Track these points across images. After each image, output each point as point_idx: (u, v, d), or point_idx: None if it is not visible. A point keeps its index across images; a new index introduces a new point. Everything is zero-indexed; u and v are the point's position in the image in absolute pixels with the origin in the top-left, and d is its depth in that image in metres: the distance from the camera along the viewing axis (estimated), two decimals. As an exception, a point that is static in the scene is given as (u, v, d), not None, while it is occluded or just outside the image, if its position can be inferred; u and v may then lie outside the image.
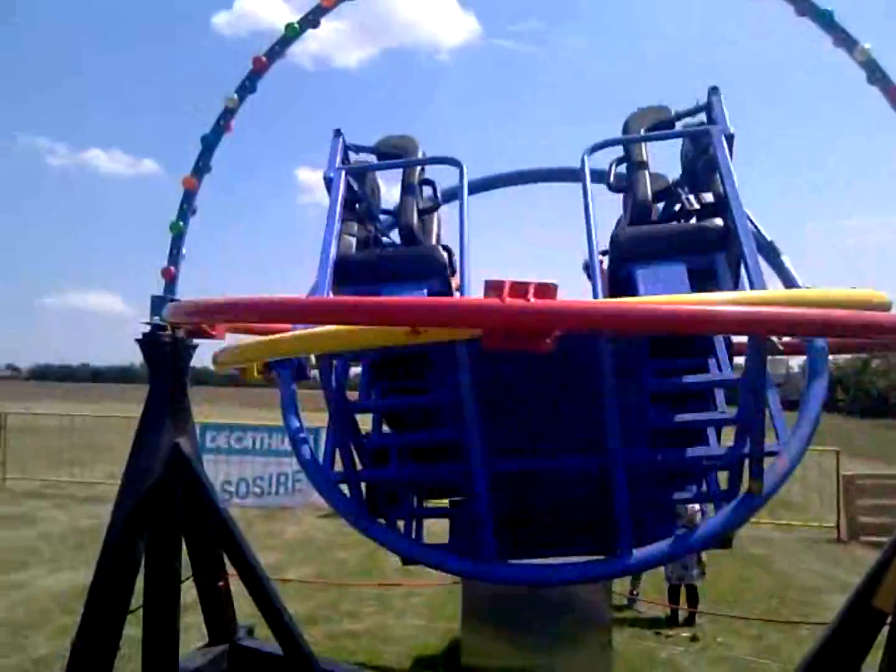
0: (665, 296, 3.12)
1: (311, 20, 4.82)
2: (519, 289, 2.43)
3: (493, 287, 2.44)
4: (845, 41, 4.37)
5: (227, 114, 4.86)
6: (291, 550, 10.01)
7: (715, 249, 3.66)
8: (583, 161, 4.10)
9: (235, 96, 4.83)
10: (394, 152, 4.59)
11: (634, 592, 7.92)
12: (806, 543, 11.67)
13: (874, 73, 4.33)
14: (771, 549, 11.09)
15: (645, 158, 4.24)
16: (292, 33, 4.82)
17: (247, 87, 4.86)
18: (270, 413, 9.41)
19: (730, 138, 3.93)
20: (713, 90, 4.22)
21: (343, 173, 4.21)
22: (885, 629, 4.30)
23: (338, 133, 4.42)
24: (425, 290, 3.83)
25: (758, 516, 13.58)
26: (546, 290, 2.44)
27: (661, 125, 4.38)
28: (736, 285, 3.77)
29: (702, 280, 3.54)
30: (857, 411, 54.56)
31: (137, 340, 4.61)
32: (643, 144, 4.32)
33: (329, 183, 4.19)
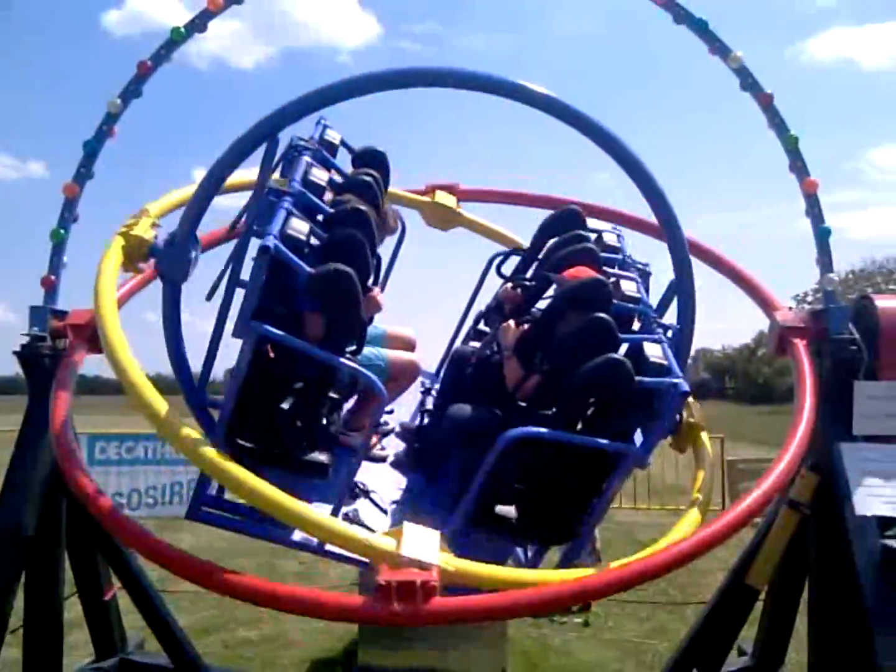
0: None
1: (197, 24, 4.71)
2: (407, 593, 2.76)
3: (383, 592, 2.75)
4: (720, 49, 4.59)
5: (110, 119, 4.68)
6: (186, 560, 9.73)
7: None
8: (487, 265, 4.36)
9: (119, 101, 4.66)
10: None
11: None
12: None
13: (746, 79, 4.58)
14: (661, 534, 11.36)
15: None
16: (178, 37, 4.69)
17: (131, 91, 4.70)
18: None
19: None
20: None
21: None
22: (759, 605, 4.59)
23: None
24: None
25: (649, 503, 14.05)
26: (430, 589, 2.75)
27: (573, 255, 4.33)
28: None
29: None
30: (745, 398, 57.16)
31: (15, 352, 4.45)
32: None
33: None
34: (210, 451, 3.18)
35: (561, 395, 3.69)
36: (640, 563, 3.22)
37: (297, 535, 3.77)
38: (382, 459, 4.64)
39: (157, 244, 3.91)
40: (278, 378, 3.69)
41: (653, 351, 3.79)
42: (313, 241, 3.78)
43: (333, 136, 4.63)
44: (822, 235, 4.34)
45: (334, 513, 3.65)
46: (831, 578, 3.97)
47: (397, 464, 4.65)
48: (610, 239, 4.79)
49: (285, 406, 3.67)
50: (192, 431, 3.26)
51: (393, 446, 4.77)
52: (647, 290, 4.41)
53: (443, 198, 5.80)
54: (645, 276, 4.58)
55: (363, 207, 3.95)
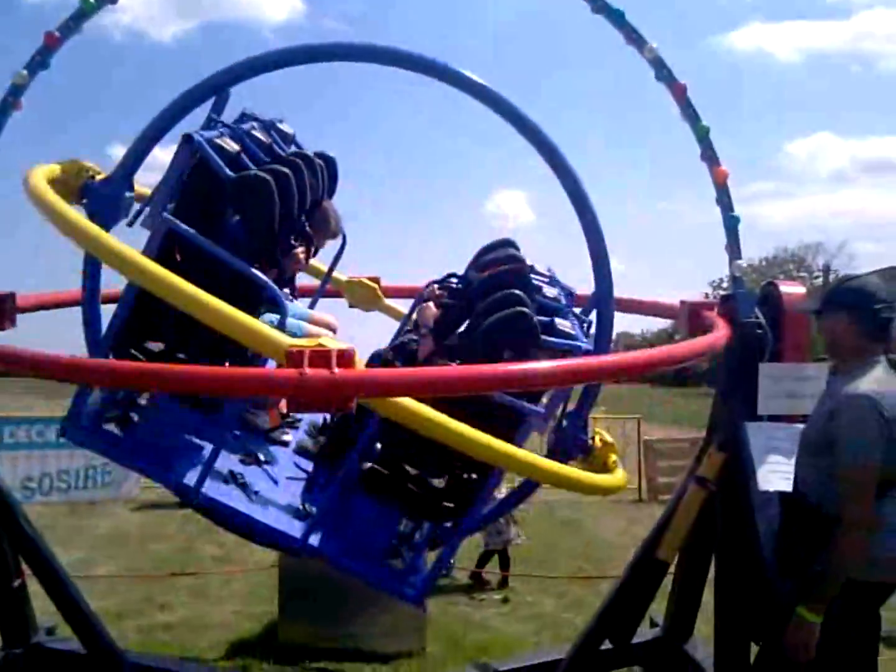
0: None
1: None
2: (320, 359, 2.38)
3: (293, 358, 2.39)
4: (636, 40, 4.67)
5: (16, 90, 4.49)
6: (101, 545, 9.52)
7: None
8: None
9: (25, 72, 4.47)
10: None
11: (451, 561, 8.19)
12: (611, 505, 12.47)
13: (661, 70, 4.67)
14: (579, 511, 11.79)
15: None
16: (88, 8, 4.51)
17: (38, 62, 4.52)
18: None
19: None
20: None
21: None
22: (668, 578, 4.76)
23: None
24: None
25: (568, 482, 14.27)
26: (348, 357, 2.41)
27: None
28: None
29: None
30: (662, 381, 58.64)
31: None
32: None
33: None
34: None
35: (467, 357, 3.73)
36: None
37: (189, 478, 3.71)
38: (284, 444, 4.64)
39: (91, 182, 3.79)
40: None
41: (563, 325, 3.87)
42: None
43: (287, 129, 4.68)
44: (731, 223, 4.48)
45: (210, 462, 3.65)
46: (736, 552, 4.14)
47: (301, 451, 4.66)
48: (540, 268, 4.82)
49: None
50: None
51: (298, 438, 4.79)
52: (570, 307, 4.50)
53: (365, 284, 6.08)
54: (570, 295, 4.63)
55: (287, 171, 3.96)
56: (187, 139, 3.54)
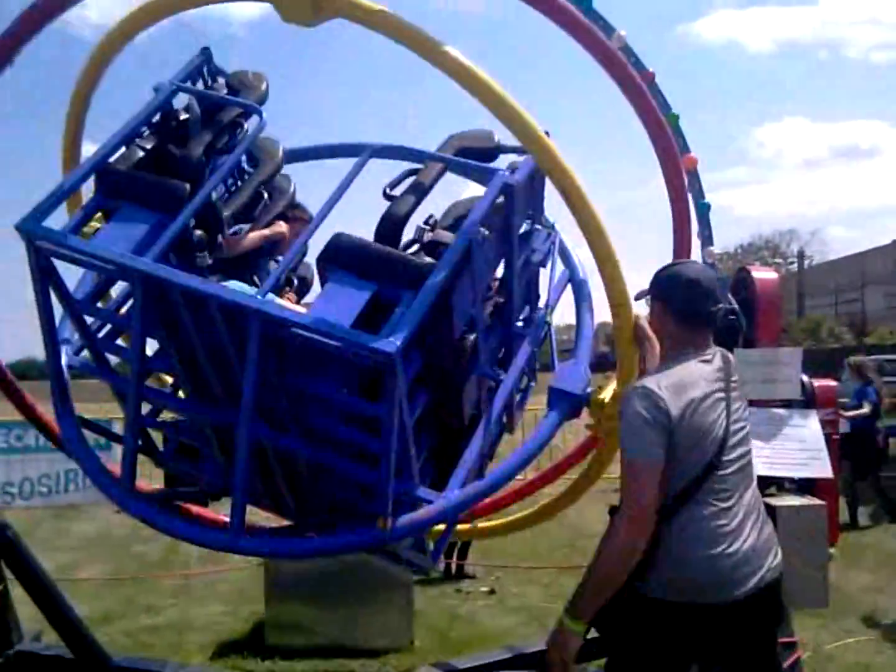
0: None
1: None
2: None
3: None
4: (603, 28, 4.69)
5: None
6: (85, 549, 9.48)
7: (405, 286, 3.23)
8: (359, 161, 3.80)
9: None
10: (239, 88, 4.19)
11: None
12: (595, 495, 12.42)
13: (629, 58, 4.69)
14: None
15: (426, 181, 3.79)
16: None
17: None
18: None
19: (509, 190, 3.55)
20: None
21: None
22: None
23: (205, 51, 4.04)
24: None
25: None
26: None
27: (475, 152, 3.98)
28: None
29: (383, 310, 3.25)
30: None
31: None
32: (434, 167, 3.88)
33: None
34: None
35: None
36: None
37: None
38: None
39: None
40: None
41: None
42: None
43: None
44: (703, 210, 4.54)
45: None
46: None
47: None
48: None
49: None
50: None
51: None
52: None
53: None
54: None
55: None
56: None
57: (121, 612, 6.93)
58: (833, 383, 4.78)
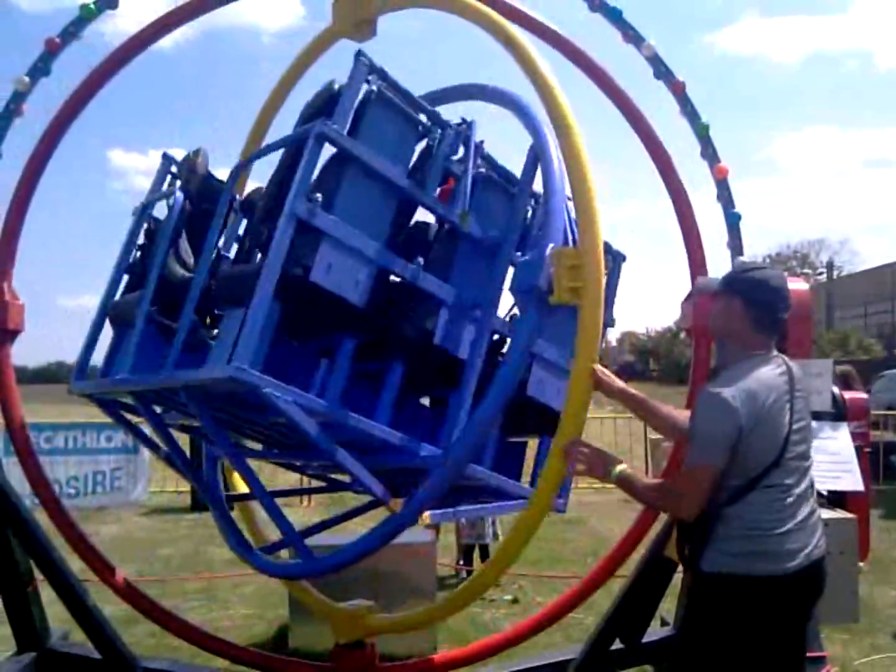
0: None
1: (108, 0, 4.60)
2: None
3: None
4: (634, 38, 4.69)
5: (18, 97, 4.56)
6: (111, 551, 9.43)
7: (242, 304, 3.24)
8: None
9: (27, 79, 4.54)
10: None
11: (460, 562, 8.21)
12: (619, 504, 12.46)
13: (659, 68, 4.69)
14: (588, 511, 11.80)
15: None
16: (88, 14, 4.57)
17: (39, 69, 4.58)
18: (84, 409, 8.92)
19: (321, 138, 3.26)
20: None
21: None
22: (677, 576, 4.77)
23: None
24: None
25: (577, 482, 14.39)
26: None
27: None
28: None
29: None
30: (669, 380, 58.48)
31: None
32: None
33: None
34: None
35: None
36: None
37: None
38: None
39: None
40: None
41: None
42: None
43: None
44: (733, 220, 4.51)
45: None
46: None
47: None
48: None
49: None
50: None
51: None
52: None
53: None
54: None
55: None
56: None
57: (146, 613, 6.97)
58: (864, 395, 4.73)
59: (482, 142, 3.88)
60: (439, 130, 3.70)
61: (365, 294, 3.33)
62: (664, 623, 5.08)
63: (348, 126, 3.36)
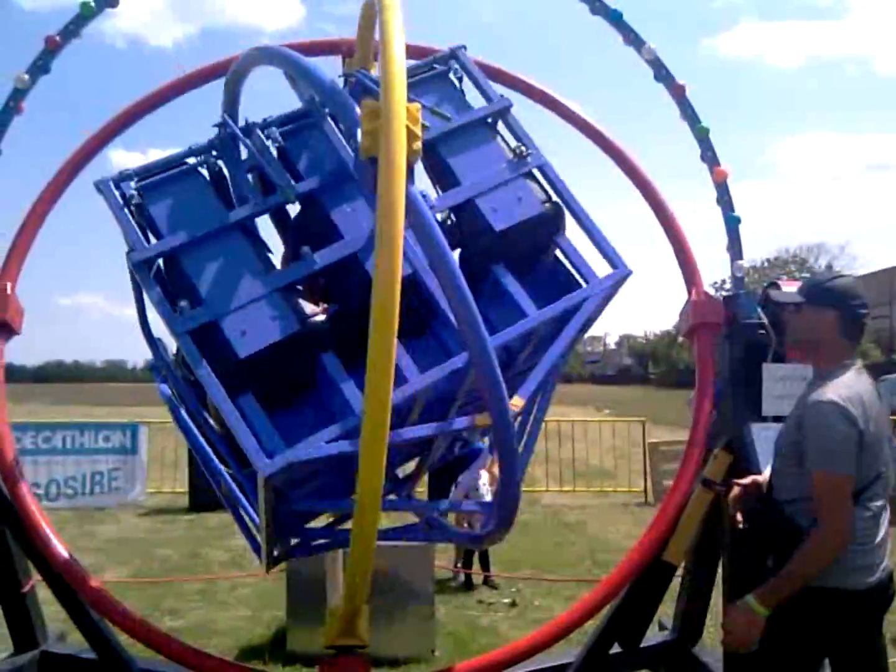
0: None
1: None
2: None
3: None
4: (634, 40, 4.69)
5: (17, 94, 4.55)
6: (109, 551, 9.56)
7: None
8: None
9: (26, 76, 4.53)
10: None
11: (458, 565, 8.19)
12: (618, 508, 12.50)
13: (660, 71, 4.69)
14: (586, 514, 11.80)
15: None
16: (87, 12, 4.56)
17: (39, 66, 4.57)
18: (82, 409, 8.91)
19: (140, 267, 3.42)
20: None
21: None
22: (676, 580, 4.77)
23: None
24: None
25: (575, 485, 14.39)
26: None
27: None
28: None
29: None
30: (668, 383, 58.58)
31: None
32: None
33: None
34: None
35: None
36: None
37: None
38: None
39: None
40: None
41: None
42: None
43: None
44: (732, 223, 4.50)
45: None
46: (744, 553, 4.13)
47: None
48: None
49: None
50: None
51: None
52: None
53: None
54: None
55: None
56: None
57: (144, 614, 6.93)
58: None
59: (263, 120, 3.75)
60: (212, 154, 3.67)
61: (294, 316, 3.30)
62: (662, 627, 5.08)
63: (148, 236, 3.50)
